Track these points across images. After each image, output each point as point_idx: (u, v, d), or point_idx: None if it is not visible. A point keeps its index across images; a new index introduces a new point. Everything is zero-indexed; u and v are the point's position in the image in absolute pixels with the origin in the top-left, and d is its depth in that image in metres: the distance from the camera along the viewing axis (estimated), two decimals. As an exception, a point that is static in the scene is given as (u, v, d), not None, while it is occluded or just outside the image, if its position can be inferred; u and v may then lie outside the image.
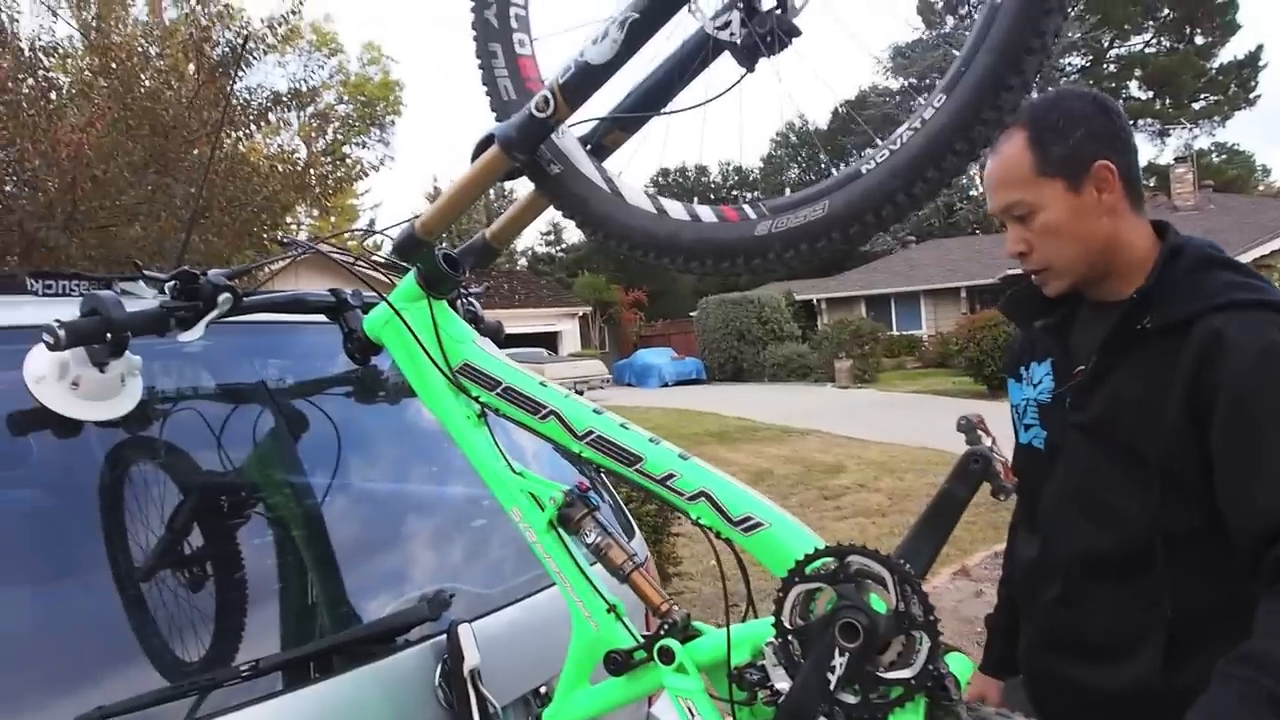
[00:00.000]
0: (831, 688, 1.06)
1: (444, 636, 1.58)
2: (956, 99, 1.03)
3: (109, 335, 1.36)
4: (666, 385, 29.14)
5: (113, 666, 1.32)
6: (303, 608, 1.61)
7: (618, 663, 1.31)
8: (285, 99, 9.59)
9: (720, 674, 1.22)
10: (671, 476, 1.27)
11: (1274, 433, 1.33)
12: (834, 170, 1.17)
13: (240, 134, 8.53)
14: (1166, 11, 43.79)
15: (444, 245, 1.52)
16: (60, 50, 8.09)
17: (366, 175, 11.42)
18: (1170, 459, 1.41)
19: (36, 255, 6.53)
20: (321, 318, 1.72)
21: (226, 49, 8.13)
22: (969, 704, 1.07)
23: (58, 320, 1.32)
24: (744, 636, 1.21)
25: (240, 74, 8.07)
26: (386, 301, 1.51)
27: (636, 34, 1.20)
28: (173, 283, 1.47)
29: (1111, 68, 44.65)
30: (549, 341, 33.28)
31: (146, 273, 1.51)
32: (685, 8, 1.20)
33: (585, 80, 1.22)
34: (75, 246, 6.74)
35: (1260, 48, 43.87)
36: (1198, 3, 42.41)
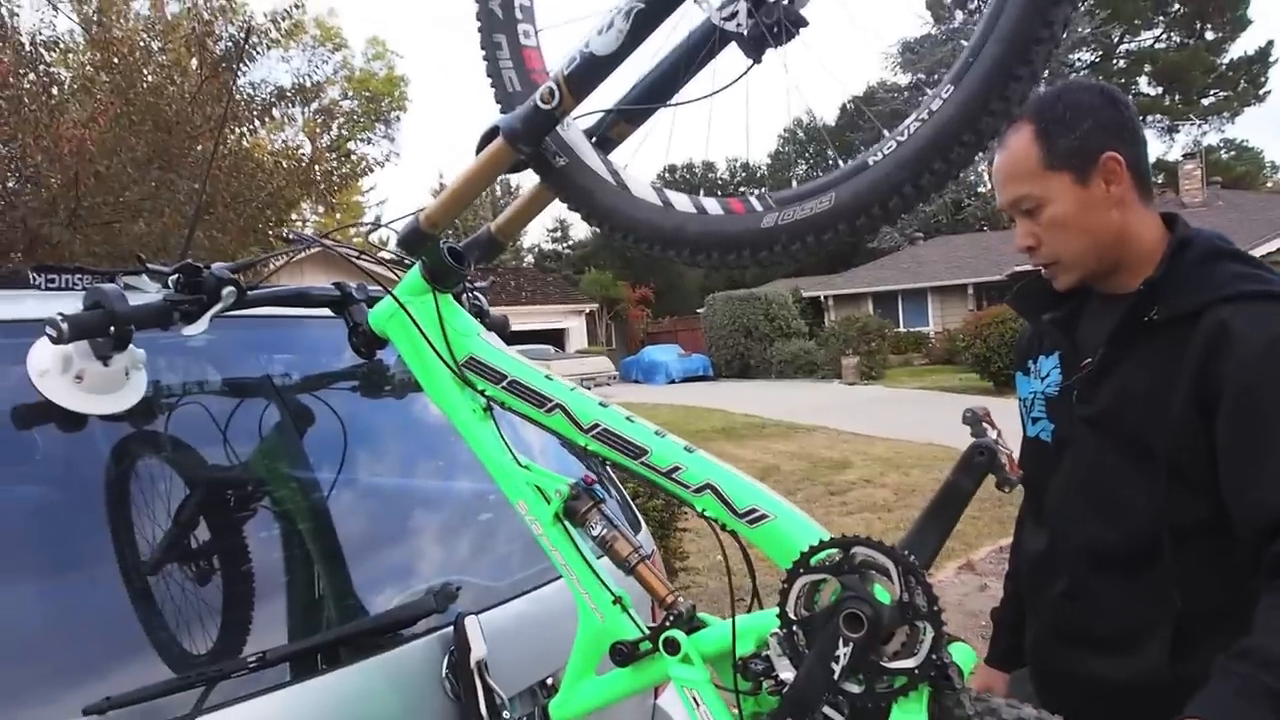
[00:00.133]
0: (836, 677, 1.06)
1: (451, 628, 1.58)
2: (964, 90, 1.03)
3: (112, 328, 1.36)
4: (673, 382, 29.13)
5: (120, 658, 1.33)
6: (310, 600, 1.61)
7: (623, 654, 1.31)
8: (289, 94, 9.61)
9: (725, 664, 1.22)
10: (677, 469, 1.27)
11: (1279, 425, 1.33)
12: (842, 166, 1.17)
13: (244, 130, 8.53)
14: (1177, 7, 43.65)
15: (449, 239, 1.52)
16: (61, 45, 8.09)
17: (372, 171, 11.42)
18: (1177, 451, 1.41)
19: (40, 252, 6.54)
20: (326, 312, 1.72)
21: (229, 44, 8.13)
22: (978, 694, 1.07)
23: (61, 314, 1.32)
24: (749, 627, 1.21)
25: (243, 68, 8.06)
26: (391, 295, 1.51)
27: (642, 24, 1.19)
28: (176, 276, 1.47)
29: (1121, 63, 44.53)
30: (556, 338, 33.31)
31: (150, 266, 1.51)
32: (691, -2, 1.20)
33: (590, 71, 1.22)
34: (79, 243, 6.75)
35: (1271, 43, 43.70)
36: (1208, -2, 42.28)
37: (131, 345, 1.42)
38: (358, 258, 1.70)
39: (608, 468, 2.20)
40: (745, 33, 1.18)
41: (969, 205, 41.34)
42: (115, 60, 7.38)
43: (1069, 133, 1.47)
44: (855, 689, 1.07)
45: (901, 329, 31.04)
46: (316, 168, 9.63)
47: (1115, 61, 44.35)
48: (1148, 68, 44.65)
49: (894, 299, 32.64)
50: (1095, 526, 1.52)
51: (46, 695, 1.23)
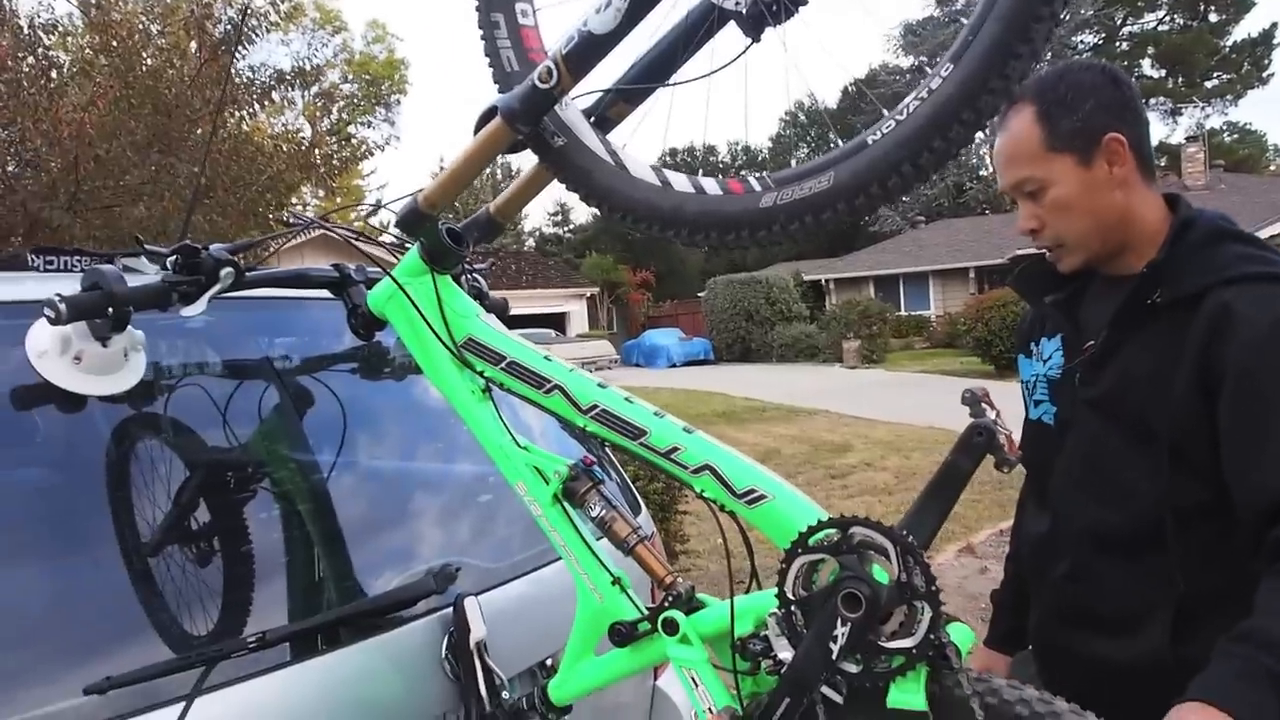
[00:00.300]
0: (834, 657, 1.06)
1: (450, 609, 1.59)
2: (964, 68, 1.02)
3: (111, 309, 1.35)
4: (674, 366, 29.14)
5: (121, 639, 1.33)
6: (310, 581, 1.62)
7: (622, 634, 1.32)
8: (289, 77, 9.56)
9: (724, 645, 1.22)
10: (676, 450, 1.27)
11: None
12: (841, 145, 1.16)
13: (244, 113, 8.50)
14: (1180, -11, 43.43)
15: (448, 221, 1.52)
16: (60, 28, 8.04)
17: (372, 155, 11.38)
18: (1179, 434, 1.40)
19: (40, 236, 6.52)
20: (325, 293, 1.72)
21: (228, 26, 8.09)
22: (979, 675, 1.07)
23: (59, 295, 1.32)
24: (747, 608, 1.21)
25: (242, 51, 8.02)
26: (390, 276, 1.51)
27: (640, 3, 1.18)
28: (174, 257, 1.46)
29: (1124, 45, 44.31)
30: (557, 322, 33.31)
31: (148, 248, 1.50)
32: (689, -26, 1.19)
33: (588, 50, 1.21)
34: (79, 227, 6.73)
35: (1274, 26, 43.44)
36: (1211, -20, 42.04)
37: (130, 326, 1.42)
38: (356, 239, 1.69)
39: (607, 449, 2.20)
40: (744, 11, 1.17)
41: (971, 188, 41.24)
42: (114, 43, 7.33)
43: (1071, 114, 1.46)
44: (853, 669, 1.07)
45: (903, 312, 31.03)
46: (316, 151, 9.59)
47: (1118, 44, 44.14)
48: (1151, 50, 44.44)
49: (895, 282, 32.61)
50: (1097, 509, 1.52)
51: (47, 675, 1.23)
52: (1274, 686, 1.18)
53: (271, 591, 1.55)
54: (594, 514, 1.37)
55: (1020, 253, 21.81)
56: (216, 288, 1.47)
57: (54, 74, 7.34)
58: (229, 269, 1.48)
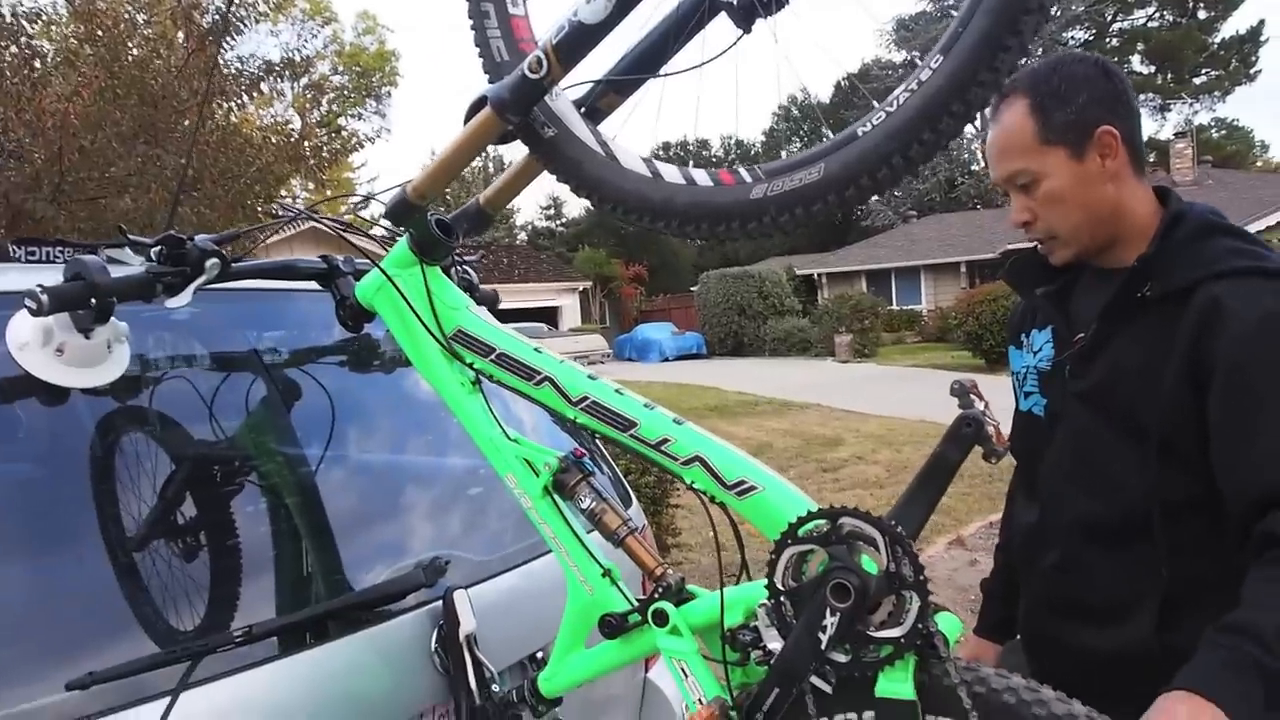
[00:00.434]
0: (823, 647, 1.06)
1: (440, 603, 1.58)
2: (953, 60, 1.02)
3: (93, 300, 1.34)
4: (667, 360, 29.16)
5: (104, 634, 1.32)
6: (298, 575, 1.61)
7: (612, 626, 1.32)
8: (278, 69, 9.49)
9: (714, 636, 1.22)
10: (666, 441, 1.27)
11: (1271, 402, 1.33)
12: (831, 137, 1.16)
13: (232, 104, 8.43)
14: (1170, -15, 43.54)
15: (437, 213, 1.51)
16: (44, 16, 7.96)
17: (362, 147, 11.33)
18: (1169, 427, 1.41)
19: (24, 227, 6.44)
20: (313, 285, 1.71)
21: (216, 16, 8.02)
22: (968, 664, 1.07)
23: (40, 285, 1.30)
24: (737, 599, 1.21)
25: (230, 41, 7.95)
26: (379, 267, 1.50)
27: (630, -8, 1.18)
28: (159, 248, 1.45)
29: (1114, 42, 44.41)
30: (549, 316, 33.28)
31: (132, 238, 1.49)
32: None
33: (579, 40, 1.20)
34: (64, 219, 6.66)
35: (1262, 23, 43.70)
36: (1200, -24, 42.17)
37: (114, 318, 1.40)
38: (345, 230, 1.68)
39: (599, 442, 2.20)
40: (735, 2, 1.17)
41: (962, 183, 41.31)
42: (99, 33, 7.25)
43: (1065, 106, 1.46)
44: (842, 658, 1.07)
45: (894, 307, 31.11)
46: (306, 143, 9.51)
47: (1108, 40, 44.23)
48: (1140, 46, 44.56)
49: (887, 277, 32.68)
50: (1086, 501, 1.53)
51: (29, 670, 1.22)
52: (1260, 677, 1.19)
53: (259, 585, 1.54)
54: (584, 506, 1.36)
55: (1011, 247, 21.89)
56: (202, 279, 1.46)
57: (37, 63, 7.26)
58: (214, 260, 1.46)
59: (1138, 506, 1.45)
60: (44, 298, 1.29)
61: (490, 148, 1.42)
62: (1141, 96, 42.98)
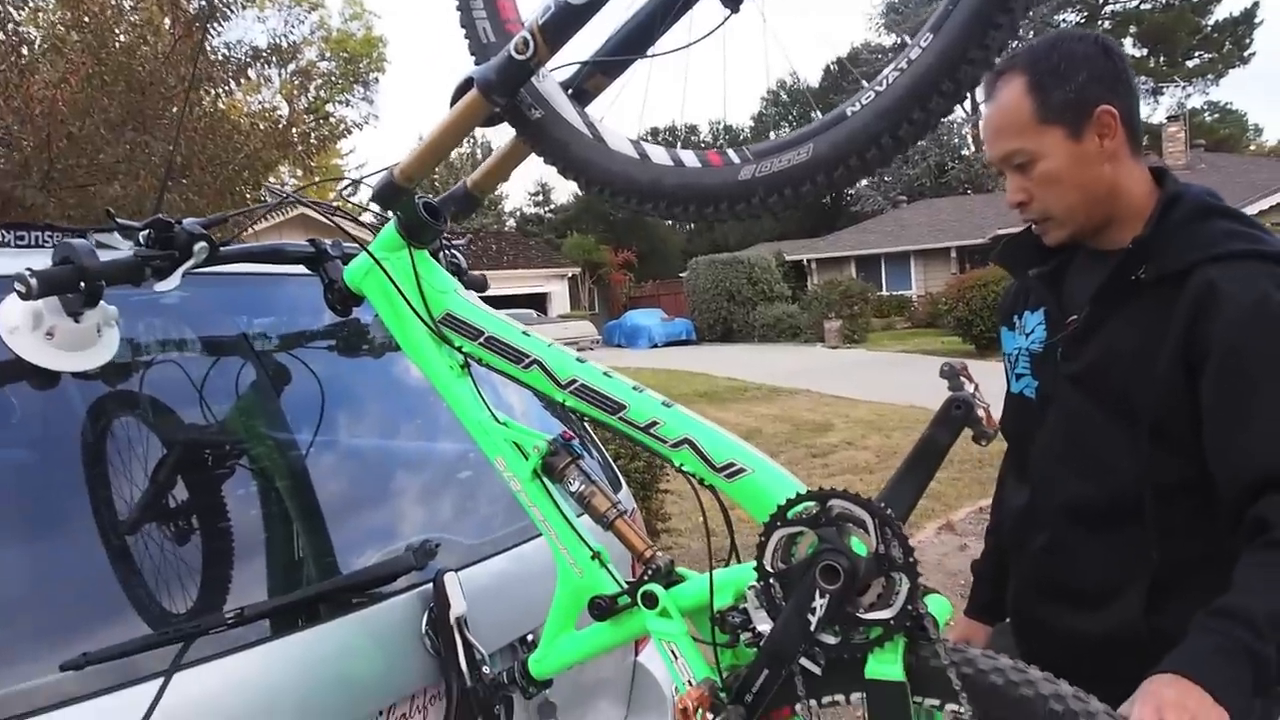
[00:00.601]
0: (812, 629, 1.07)
1: (430, 585, 1.59)
2: (943, 38, 1.01)
3: (83, 284, 1.33)
4: (656, 346, 29.15)
5: (98, 616, 1.32)
6: (289, 558, 1.61)
7: (602, 608, 1.32)
8: (265, 55, 9.42)
9: (703, 617, 1.23)
10: (655, 424, 1.27)
11: (1265, 386, 1.33)
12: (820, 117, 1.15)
13: (220, 91, 8.38)
14: (1162, -33, 43.51)
15: (425, 196, 1.51)
16: (31, 3, 7.90)
17: (350, 134, 11.32)
18: (1162, 410, 1.40)
19: (13, 214, 6.42)
20: (301, 268, 1.70)
21: (202, 1, 7.96)
22: (955, 645, 1.08)
23: (29, 269, 1.30)
24: (726, 581, 1.22)
25: (217, 27, 7.90)
26: (367, 251, 1.50)
27: (618, -28, 1.17)
28: (147, 232, 1.44)
29: (1107, 24, 44.35)
30: (538, 303, 33.22)
31: (121, 222, 1.48)
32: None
33: (565, 21, 1.20)
34: (53, 205, 6.63)
35: (1255, 5, 43.57)
36: (1193, -42, 42.13)
37: (103, 302, 1.40)
38: (333, 214, 1.67)
39: (588, 426, 2.20)
40: (723, -19, 1.16)
41: (952, 168, 41.32)
42: (86, 19, 7.20)
43: (1064, 85, 1.44)
44: (831, 640, 1.08)
45: (884, 292, 31.14)
46: (294, 130, 9.48)
47: (1101, 22, 44.15)
48: (1133, 29, 44.49)
49: (877, 262, 32.70)
50: (1077, 484, 1.52)
51: (23, 651, 1.22)
52: (1250, 662, 1.19)
53: (251, 568, 1.54)
54: (573, 489, 1.37)
55: (1002, 232, 21.90)
56: (190, 262, 1.45)
57: (25, 50, 7.21)
58: (203, 244, 1.46)
59: (1129, 489, 1.45)
60: (33, 281, 1.29)
61: (477, 131, 1.42)
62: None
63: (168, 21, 7.94)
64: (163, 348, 1.72)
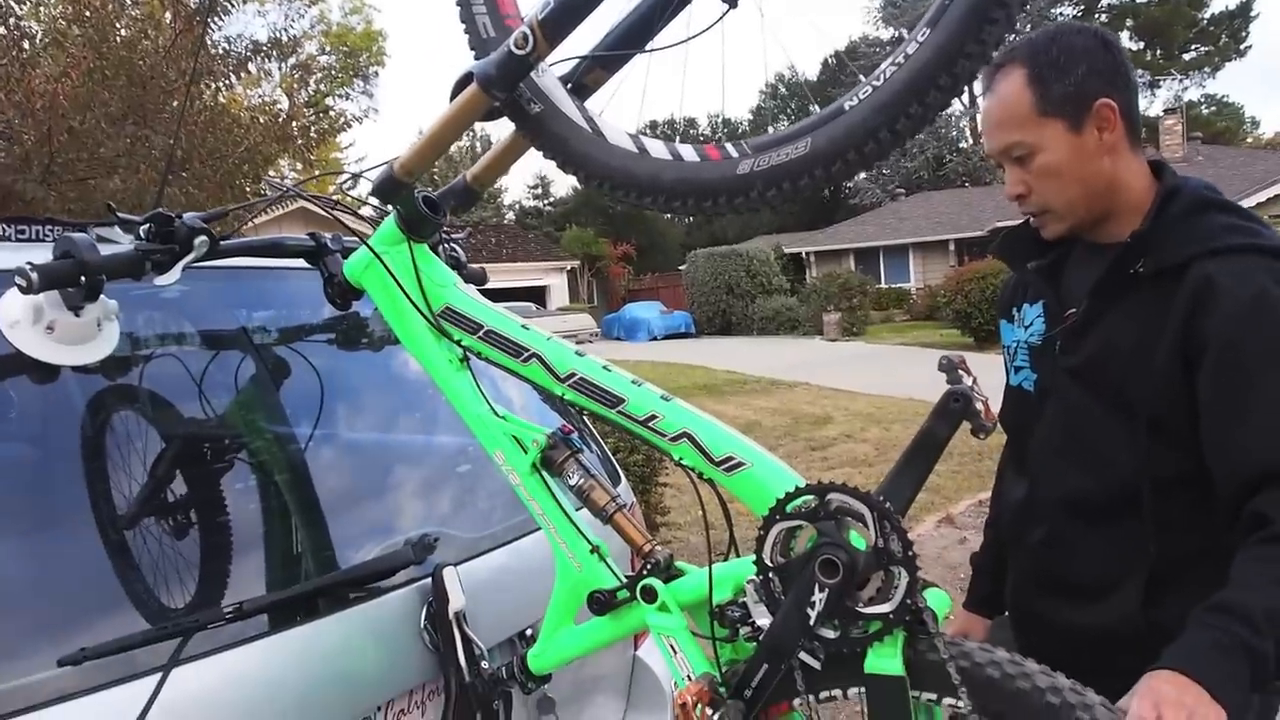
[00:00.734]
0: (811, 623, 1.07)
1: (429, 580, 1.59)
2: (940, 33, 1.01)
3: (83, 278, 1.33)
4: (655, 339, 29.18)
5: (96, 611, 1.32)
6: (288, 553, 1.61)
7: (601, 602, 1.33)
8: (265, 49, 9.41)
9: (702, 612, 1.23)
10: (654, 418, 1.27)
11: (1263, 380, 1.32)
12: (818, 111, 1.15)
13: (220, 85, 8.36)
14: (1159, -41, 43.42)
15: (424, 190, 1.51)
16: (32, -2, 7.90)
17: (350, 127, 11.28)
18: (1159, 404, 1.40)
19: (14, 208, 6.40)
20: (301, 262, 1.70)
21: (204, -4, 7.95)
22: (951, 639, 1.08)
23: (30, 263, 1.30)
24: (726, 575, 1.22)
25: (218, 22, 7.88)
26: (366, 245, 1.50)
27: (616, -33, 1.17)
28: (147, 225, 1.44)
29: (1103, 17, 44.26)
30: (537, 296, 33.20)
31: (121, 216, 1.48)
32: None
33: (565, 16, 1.20)
34: (53, 199, 6.62)
35: (1252, -3, 43.51)
36: (1191, -49, 42.05)
37: (104, 296, 1.40)
38: (333, 208, 1.67)
39: (587, 420, 2.20)
40: (722, -25, 1.16)
41: (950, 161, 41.25)
42: (87, 13, 7.18)
43: (1063, 78, 1.43)
44: (831, 634, 1.08)
45: (883, 285, 31.12)
46: (294, 123, 9.45)
47: (1097, 15, 44.08)
48: (1129, 22, 44.42)
49: (875, 255, 32.67)
50: (1076, 477, 1.53)
51: (21, 647, 1.22)
52: (1247, 658, 1.19)
53: (249, 563, 1.54)
54: (572, 482, 1.37)
55: (1000, 225, 21.87)
56: (190, 256, 1.45)
57: (26, 44, 7.20)
58: (203, 237, 1.46)
59: (1127, 483, 1.45)
60: (34, 275, 1.29)
61: (477, 125, 1.42)
62: (1131, 73, 42.91)
63: (168, 16, 7.92)
64: (163, 342, 1.72)
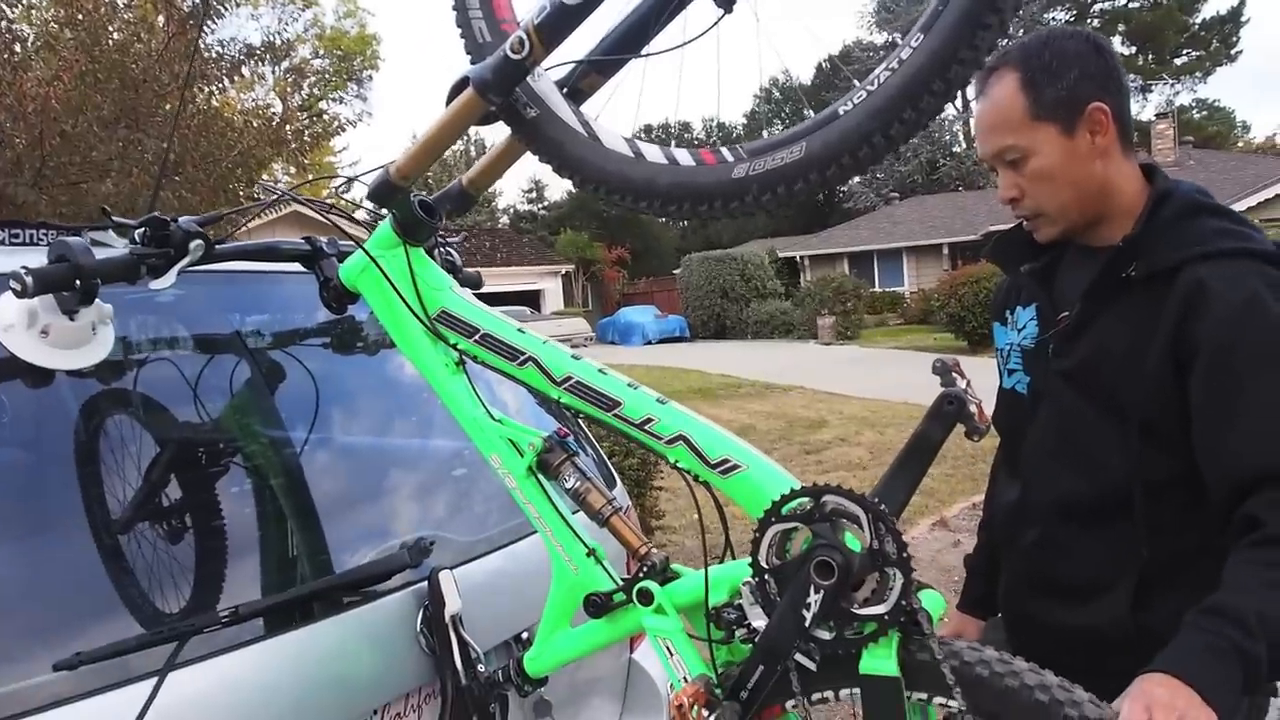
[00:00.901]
0: (807, 624, 1.07)
1: (425, 583, 1.59)
2: (934, 38, 1.02)
3: (78, 282, 1.33)
4: (650, 343, 29.16)
5: (92, 615, 1.32)
6: (284, 557, 1.61)
7: (597, 605, 1.33)
8: (259, 52, 9.41)
9: (698, 614, 1.23)
10: (650, 421, 1.28)
11: (1253, 384, 1.33)
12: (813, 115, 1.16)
13: (213, 88, 8.36)
14: (1151, -36, 43.61)
15: (420, 194, 1.51)
16: (24, 1, 7.87)
17: (344, 131, 11.29)
18: (1152, 408, 1.41)
19: (5, 212, 6.39)
20: (297, 266, 1.70)
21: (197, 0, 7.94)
22: (942, 639, 1.09)
23: (25, 267, 1.30)
24: (722, 577, 1.22)
25: (211, 25, 7.88)
26: (362, 249, 1.50)
27: (612, -28, 1.18)
28: (142, 229, 1.44)
29: (1095, 22, 44.42)
30: (532, 300, 33.19)
31: (116, 220, 1.48)
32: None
33: (561, 20, 1.20)
34: (45, 203, 6.61)
35: (1242, 3, 43.67)
36: (1182, -44, 42.23)
37: (98, 300, 1.40)
38: (328, 212, 1.68)
39: (583, 424, 2.20)
40: (717, -19, 1.17)
41: (944, 165, 41.36)
42: (79, 17, 7.17)
43: (1056, 82, 1.44)
44: (826, 635, 1.09)
45: (877, 289, 31.17)
46: (288, 127, 9.46)
47: (1089, 21, 44.22)
48: (1121, 27, 44.55)
49: (869, 259, 32.73)
50: (1068, 480, 1.53)
51: (16, 652, 1.22)
52: (1240, 661, 1.19)
53: (245, 567, 1.54)
54: (568, 486, 1.37)
55: (994, 229, 21.92)
56: (185, 260, 1.45)
57: (17, 48, 7.19)
58: (198, 241, 1.46)
59: (1119, 486, 1.45)
60: (28, 279, 1.29)
61: (473, 130, 1.42)
62: (1123, 78, 43.08)
63: (161, 19, 7.92)
64: (157, 346, 1.72)
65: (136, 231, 1.45)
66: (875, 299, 29.94)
